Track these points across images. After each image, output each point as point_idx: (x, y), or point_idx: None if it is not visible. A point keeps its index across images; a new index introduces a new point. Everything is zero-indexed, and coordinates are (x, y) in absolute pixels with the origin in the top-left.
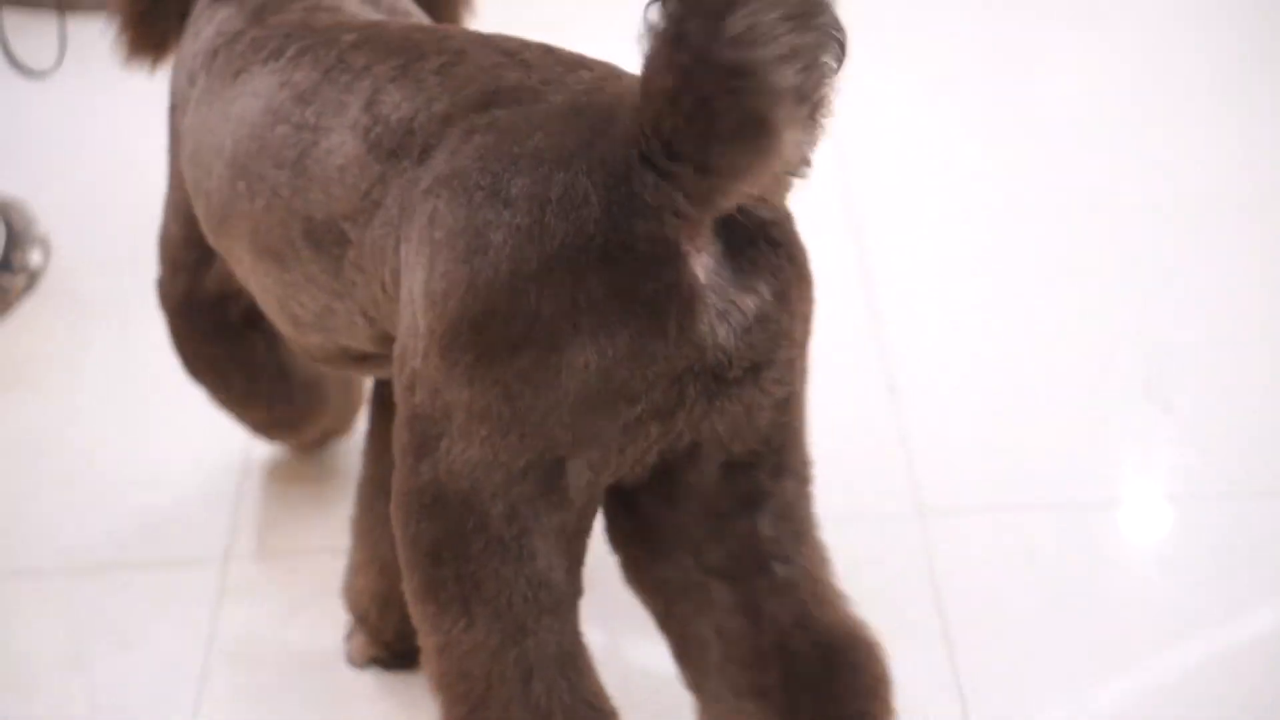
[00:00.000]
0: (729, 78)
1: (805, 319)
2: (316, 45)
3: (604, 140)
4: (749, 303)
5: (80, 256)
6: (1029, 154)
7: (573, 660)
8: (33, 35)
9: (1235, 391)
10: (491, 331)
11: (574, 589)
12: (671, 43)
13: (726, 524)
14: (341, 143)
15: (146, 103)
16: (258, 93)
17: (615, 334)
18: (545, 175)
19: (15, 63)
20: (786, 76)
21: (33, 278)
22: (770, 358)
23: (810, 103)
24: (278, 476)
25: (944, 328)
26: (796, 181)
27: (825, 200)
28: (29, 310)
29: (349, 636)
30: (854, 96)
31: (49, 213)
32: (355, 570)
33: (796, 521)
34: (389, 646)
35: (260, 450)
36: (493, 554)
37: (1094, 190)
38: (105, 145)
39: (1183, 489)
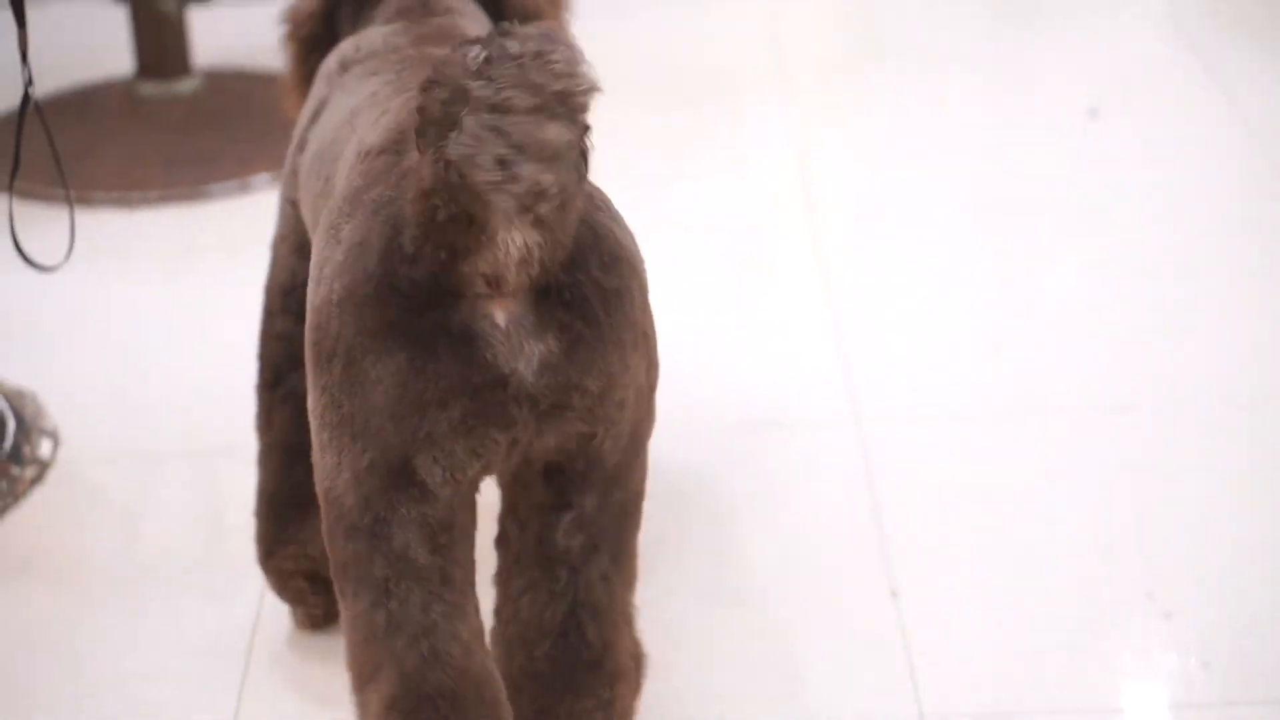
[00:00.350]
0: (453, 187)
1: (605, 375)
2: (394, 64)
3: (402, 196)
4: (537, 350)
5: (89, 448)
6: (1025, 362)
7: (440, 627)
8: (42, 225)
9: (1237, 600)
10: (317, 346)
11: (447, 572)
12: (426, 141)
13: (539, 518)
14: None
15: (157, 295)
16: (346, 103)
17: (394, 355)
18: (361, 223)
19: (25, 256)
20: (501, 198)
21: (42, 469)
22: (563, 402)
23: (530, 211)
24: (284, 660)
25: (946, 532)
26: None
27: (826, 391)
28: (37, 501)
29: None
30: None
31: (59, 404)
32: None
33: (593, 536)
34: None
35: (265, 633)
36: (354, 538)
37: (1091, 393)
38: (115, 337)
39: (1185, 698)
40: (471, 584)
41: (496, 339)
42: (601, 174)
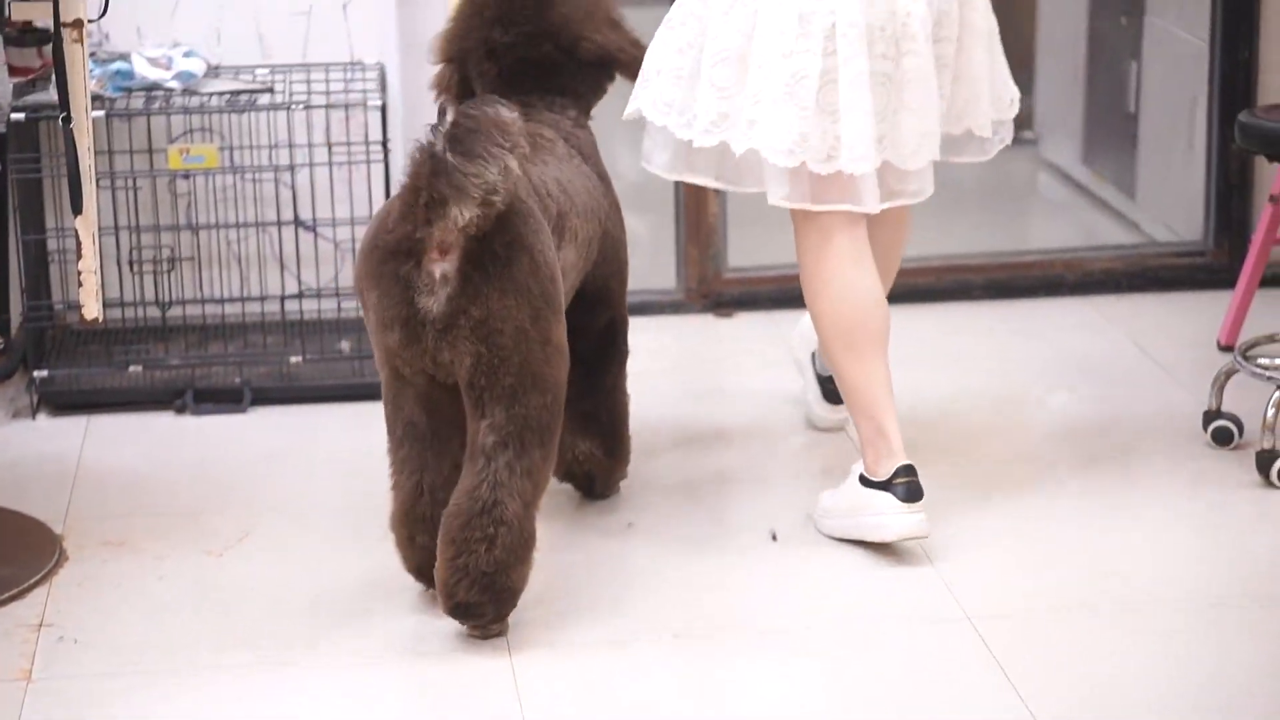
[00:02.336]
0: (433, 179)
1: (485, 307)
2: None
3: (392, 200)
4: (445, 291)
5: None
6: None
7: (429, 464)
8: None
9: None
10: (355, 285)
11: (436, 430)
12: (425, 152)
13: (472, 423)
14: None
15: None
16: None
17: (371, 292)
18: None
19: None
20: (470, 185)
21: None
22: (456, 323)
23: (484, 194)
24: None
25: None
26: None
27: None
28: None
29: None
30: None
31: None
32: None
33: (502, 436)
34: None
35: None
36: (387, 404)
37: None
38: None
39: None
40: (454, 436)
41: (421, 285)
42: None
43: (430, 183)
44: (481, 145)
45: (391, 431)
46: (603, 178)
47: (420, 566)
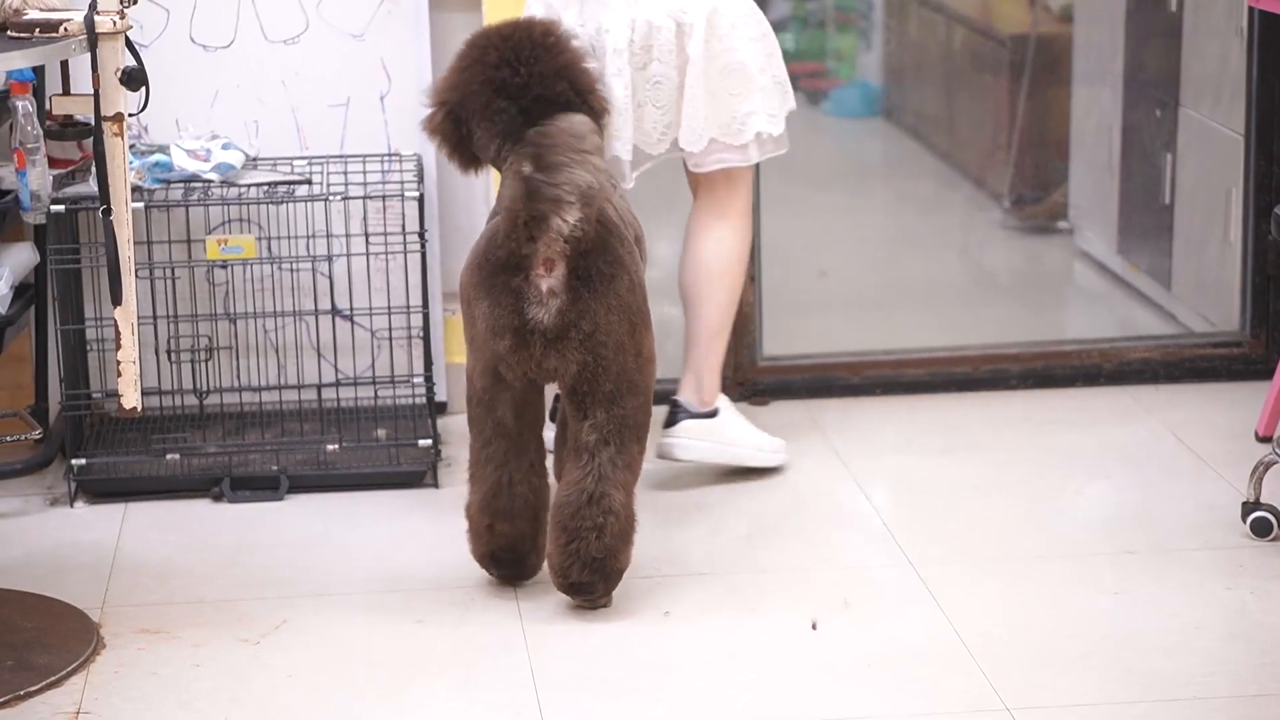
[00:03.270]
0: (529, 200)
1: (593, 321)
2: None
3: (499, 220)
4: (555, 304)
5: None
6: None
7: (511, 462)
8: None
9: None
10: (461, 295)
11: (522, 432)
12: (519, 178)
13: (575, 423)
14: None
15: None
16: None
17: (482, 302)
18: (481, 236)
19: None
20: (553, 202)
21: None
22: (565, 335)
23: (569, 208)
24: None
25: None
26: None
27: None
28: None
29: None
30: None
31: None
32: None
33: (604, 435)
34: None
35: None
36: (477, 406)
37: None
38: None
39: None
40: (535, 435)
41: (531, 298)
42: None
43: (525, 205)
44: (562, 154)
45: (480, 431)
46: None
47: (493, 552)
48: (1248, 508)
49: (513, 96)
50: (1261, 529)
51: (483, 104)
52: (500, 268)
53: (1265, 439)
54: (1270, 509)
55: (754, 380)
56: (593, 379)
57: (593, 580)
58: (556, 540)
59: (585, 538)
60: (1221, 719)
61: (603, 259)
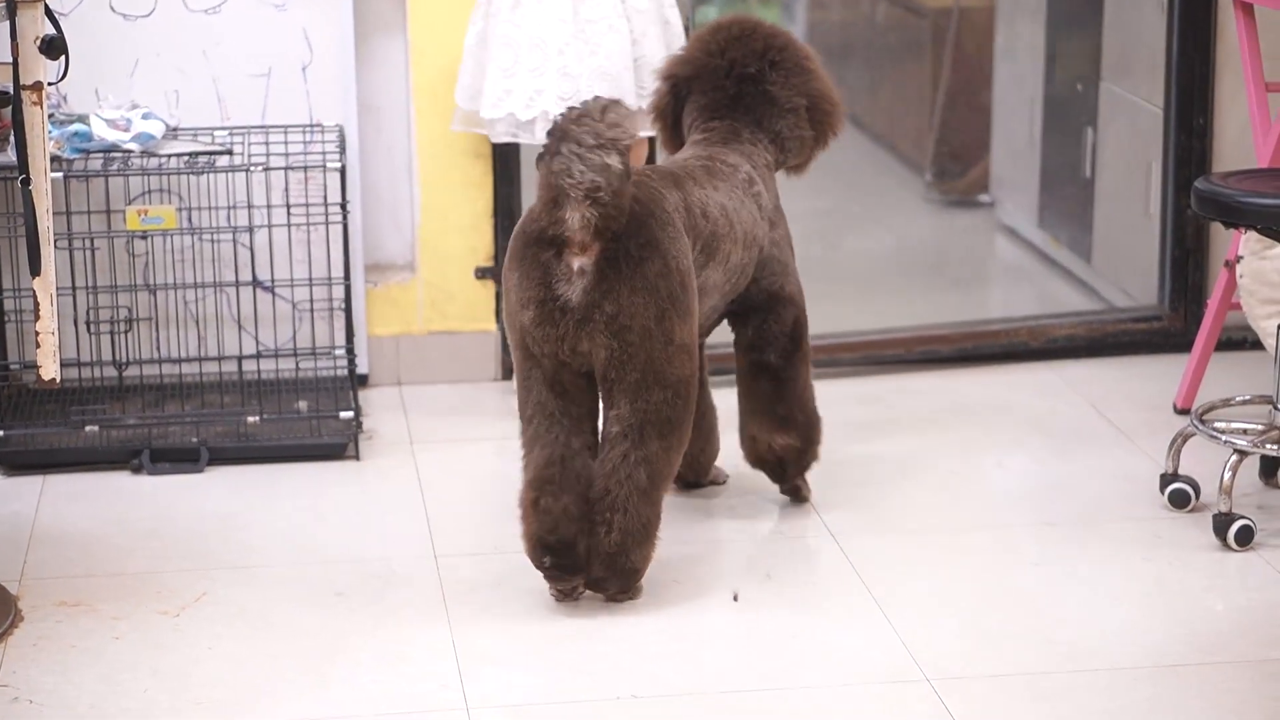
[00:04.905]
0: (550, 181)
1: (617, 303)
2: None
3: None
4: (581, 283)
5: None
6: None
7: (558, 439)
8: None
9: None
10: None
11: (566, 409)
12: (543, 164)
13: (604, 412)
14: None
15: None
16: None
17: (513, 274)
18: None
19: None
20: (572, 191)
21: None
22: (590, 316)
23: (589, 198)
24: None
25: None
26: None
27: None
28: None
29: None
30: None
31: None
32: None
33: (624, 428)
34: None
35: None
36: (520, 388)
37: None
38: None
39: None
40: (584, 418)
41: (559, 273)
42: None
43: (546, 183)
44: (573, 149)
45: (523, 412)
46: (778, 210)
47: (540, 535)
48: (1166, 479)
49: (739, 82)
50: (1179, 500)
51: (710, 81)
52: (534, 240)
53: (1184, 411)
54: (1188, 480)
55: None
56: (620, 367)
57: (606, 577)
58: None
59: (598, 533)
60: (1139, 688)
61: (635, 241)
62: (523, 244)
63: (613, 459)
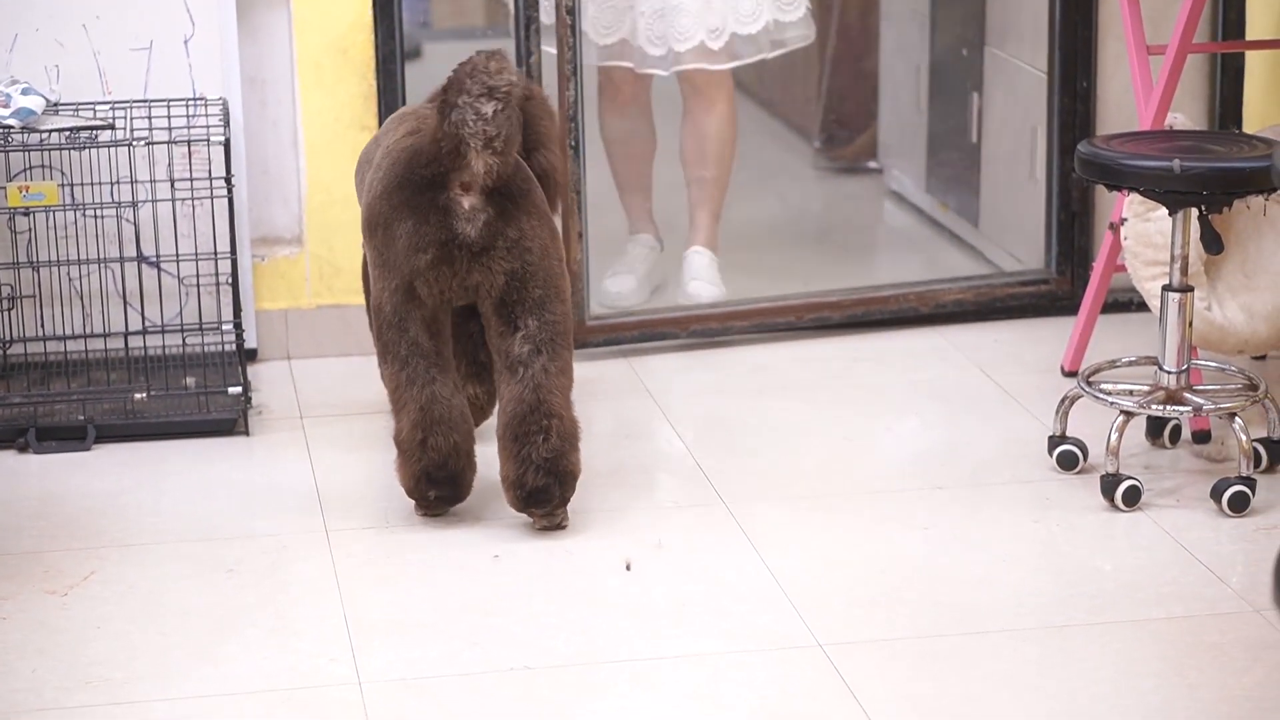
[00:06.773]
0: (450, 131)
1: (519, 228)
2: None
3: (420, 140)
4: (482, 217)
5: None
6: None
7: (436, 380)
8: None
9: None
10: (370, 223)
11: (439, 350)
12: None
13: (503, 340)
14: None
15: None
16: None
17: (406, 220)
18: (390, 157)
19: None
20: (473, 140)
21: None
22: (492, 245)
23: (489, 147)
24: None
25: None
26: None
27: None
28: None
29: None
30: None
31: None
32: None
33: (536, 344)
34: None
35: None
36: (388, 330)
37: None
38: None
39: None
40: (451, 364)
41: (460, 214)
42: None
43: (445, 134)
44: (466, 100)
45: (396, 354)
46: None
47: (427, 470)
48: (1054, 441)
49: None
50: (1067, 462)
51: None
52: (425, 185)
53: (1071, 374)
54: (1076, 442)
55: (582, 339)
56: (522, 286)
57: (547, 483)
58: (507, 453)
59: (533, 441)
60: (1029, 650)
61: (517, 175)
62: (413, 190)
63: (534, 373)
